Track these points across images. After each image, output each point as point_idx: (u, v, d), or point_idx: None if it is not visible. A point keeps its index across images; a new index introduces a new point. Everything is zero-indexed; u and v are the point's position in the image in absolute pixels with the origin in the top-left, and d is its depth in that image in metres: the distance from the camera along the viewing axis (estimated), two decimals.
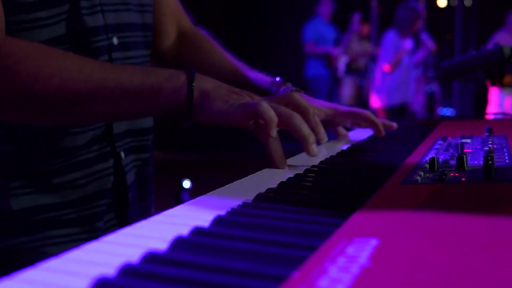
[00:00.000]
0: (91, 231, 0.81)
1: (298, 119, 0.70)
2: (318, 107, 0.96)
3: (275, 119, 0.68)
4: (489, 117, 3.95)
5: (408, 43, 4.68)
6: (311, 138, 0.71)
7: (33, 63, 0.67)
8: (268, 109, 0.67)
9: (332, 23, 5.72)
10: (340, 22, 5.89)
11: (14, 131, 0.76)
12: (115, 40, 0.82)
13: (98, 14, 0.79)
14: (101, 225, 0.83)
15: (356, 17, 6.04)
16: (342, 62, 5.76)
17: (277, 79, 0.92)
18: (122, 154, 0.85)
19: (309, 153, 0.72)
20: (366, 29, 6.57)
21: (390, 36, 4.70)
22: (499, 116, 1.81)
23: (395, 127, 1.06)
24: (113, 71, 0.70)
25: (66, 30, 0.75)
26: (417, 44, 5.50)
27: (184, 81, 0.70)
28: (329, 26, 5.67)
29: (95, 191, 0.82)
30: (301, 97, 0.77)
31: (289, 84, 0.91)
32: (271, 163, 0.71)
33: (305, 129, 0.70)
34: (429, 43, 5.78)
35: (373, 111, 4.93)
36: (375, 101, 4.85)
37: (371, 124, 1.01)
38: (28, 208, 0.77)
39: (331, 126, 1.03)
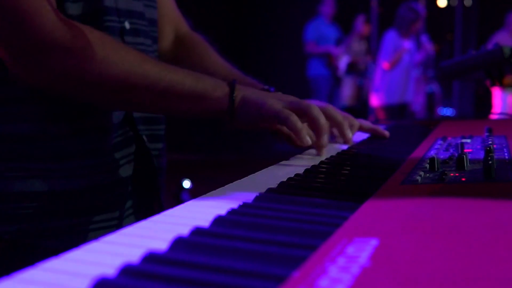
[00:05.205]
0: (114, 219, 0.81)
1: (340, 116, 0.88)
2: None
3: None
4: (494, 117, 3.95)
5: (408, 44, 4.68)
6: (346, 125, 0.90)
7: (102, 50, 0.71)
8: (317, 109, 0.79)
9: (334, 23, 5.71)
10: (341, 22, 5.88)
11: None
12: (127, 25, 0.83)
13: None
14: (123, 213, 0.83)
15: (360, 19, 6.04)
16: (343, 62, 5.75)
17: (271, 89, 0.92)
18: (145, 138, 0.87)
19: (345, 139, 0.91)
20: (366, 29, 6.57)
21: (390, 36, 4.71)
22: (503, 116, 1.81)
23: (387, 136, 1.03)
24: (167, 72, 0.76)
25: (84, 8, 0.77)
26: (418, 45, 5.50)
27: (226, 92, 0.78)
28: (331, 26, 5.67)
29: (118, 178, 0.82)
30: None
31: (279, 93, 0.91)
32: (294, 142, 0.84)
33: (346, 125, 0.90)
34: (428, 46, 5.78)
35: (373, 110, 4.95)
36: (374, 100, 4.86)
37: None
38: (56, 191, 0.76)
39: None
